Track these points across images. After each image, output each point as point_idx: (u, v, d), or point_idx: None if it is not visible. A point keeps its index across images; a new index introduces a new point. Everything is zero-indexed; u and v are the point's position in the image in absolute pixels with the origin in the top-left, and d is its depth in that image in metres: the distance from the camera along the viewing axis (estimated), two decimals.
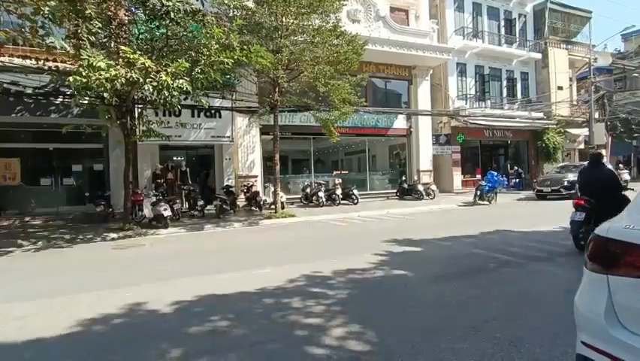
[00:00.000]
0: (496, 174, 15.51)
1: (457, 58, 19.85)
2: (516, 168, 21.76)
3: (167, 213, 10.32)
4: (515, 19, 22.73)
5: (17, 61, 10.07)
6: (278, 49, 10.99)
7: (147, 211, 10.87)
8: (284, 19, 11.11)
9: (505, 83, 22.36)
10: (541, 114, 22.19)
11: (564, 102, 23.31)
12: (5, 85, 10.08)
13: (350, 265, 5.72)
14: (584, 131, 22.90)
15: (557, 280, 5.00)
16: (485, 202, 14.76)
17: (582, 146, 24.03)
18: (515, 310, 3.90)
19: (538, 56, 22.75)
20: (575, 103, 25.46)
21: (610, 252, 1.85)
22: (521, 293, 4.46)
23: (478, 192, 15.04)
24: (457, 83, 20.40)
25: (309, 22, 11.44)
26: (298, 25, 11.39)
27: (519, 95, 22.68)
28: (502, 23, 22.30)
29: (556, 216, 11.28)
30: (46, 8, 7.17)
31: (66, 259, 7.44)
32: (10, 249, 8.05)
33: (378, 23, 16.76)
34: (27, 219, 11.68)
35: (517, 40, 22.65)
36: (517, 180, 21.11)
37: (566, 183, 15.45)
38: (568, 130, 23.32)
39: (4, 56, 9.76)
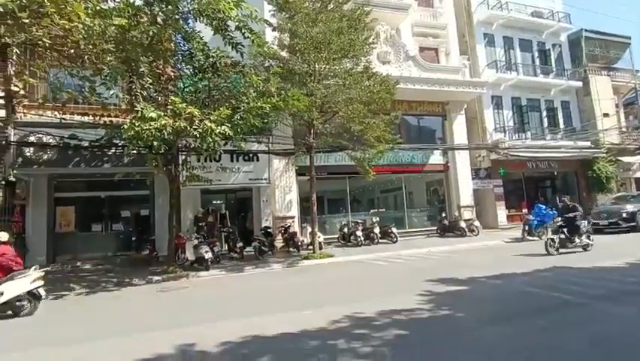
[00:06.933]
0: (544, 207, 14.45)
1: (491, 91, 19.61)
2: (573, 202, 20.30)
3: (209, 255, 10.51)
4: (550, 49, 22.35)
5: (77, 118, 11.12)
6: (311, 92, 11.38)
7: (189, 254, 11.13)
8: (316, 65, 11.59)
9: (545, 113, 21.59)
10: (588, 143, 21.05)
11: (612, 129, 22.06)
12: (65, 139, 11.08)
13: (394, 306, 5.44)
14: (638, 159, 21.42)
15: (629, 324, 4.46)
16: (535, 238, 13.79)
17: (638, 174, 22.37)
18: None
19: (579, 84, 21.98)
20: (624, 130, 24.07)
21: None
22: (592, 339, 4.00)
23: (527, 228, 14.17)
24: (493, 116, 19.96)
25: (341, 66, 11.87)
26: (330, 70, 11.83)
27: (561, 125, 21.72)
28: (537, 54, 21.92)
29: (617, 250, 10.40)
30: (107, 69, 8.00)
31: (115, 302, 7.67)
32: (63, 293, 8.42)
33: (408, 63, 17.08)
34: (78, 263, 12.29)
35: (554, 69, 22.10)
36: None
37: (624, 215, 14.25)
38: (620, 158, 21.84)
39: (66, 113, 10.82)
